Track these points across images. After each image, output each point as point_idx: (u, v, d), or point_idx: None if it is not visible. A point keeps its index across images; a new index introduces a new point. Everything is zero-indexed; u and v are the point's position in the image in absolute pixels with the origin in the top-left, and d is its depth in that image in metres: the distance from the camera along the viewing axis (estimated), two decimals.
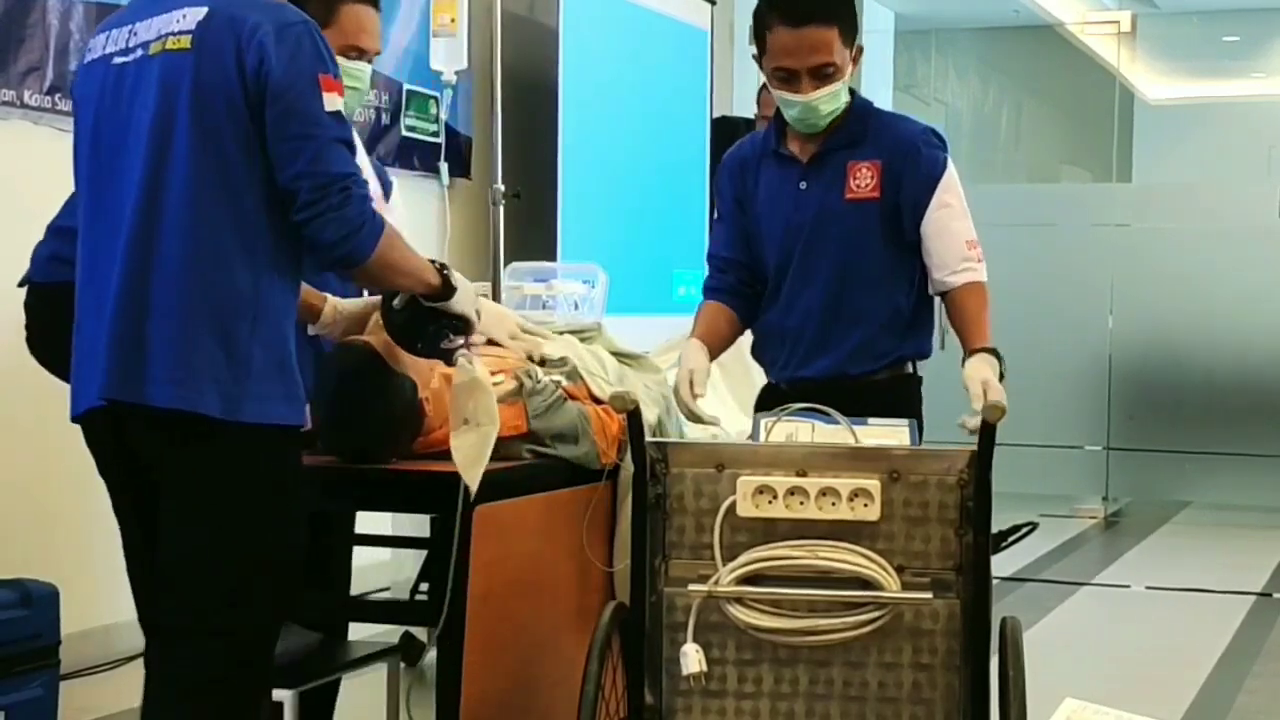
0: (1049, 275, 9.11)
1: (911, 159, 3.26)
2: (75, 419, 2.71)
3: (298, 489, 2.68)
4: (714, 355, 3.37)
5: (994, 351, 3.13)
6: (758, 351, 3.50)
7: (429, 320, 2.85)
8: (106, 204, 2.60)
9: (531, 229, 6.74)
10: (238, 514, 2.58)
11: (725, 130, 7.85)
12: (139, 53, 2.60)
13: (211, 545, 2.58)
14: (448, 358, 2.94)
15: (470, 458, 2.87)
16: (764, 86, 5.32)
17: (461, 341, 2.89)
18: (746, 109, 8.78)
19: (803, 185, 3.31)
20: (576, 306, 4.84)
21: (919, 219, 3.26)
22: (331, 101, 2.55)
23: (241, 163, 2.53)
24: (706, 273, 3.50)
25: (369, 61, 3.24)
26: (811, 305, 3.30)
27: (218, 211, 2.52)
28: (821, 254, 3.28)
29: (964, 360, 3.12)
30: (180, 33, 2.56)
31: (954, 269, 3.26)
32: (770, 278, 3.38)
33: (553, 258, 6.68)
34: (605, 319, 4.28)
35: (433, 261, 2.81)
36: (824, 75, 3.18)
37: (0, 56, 4.58)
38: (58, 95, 4.71)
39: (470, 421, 2.88)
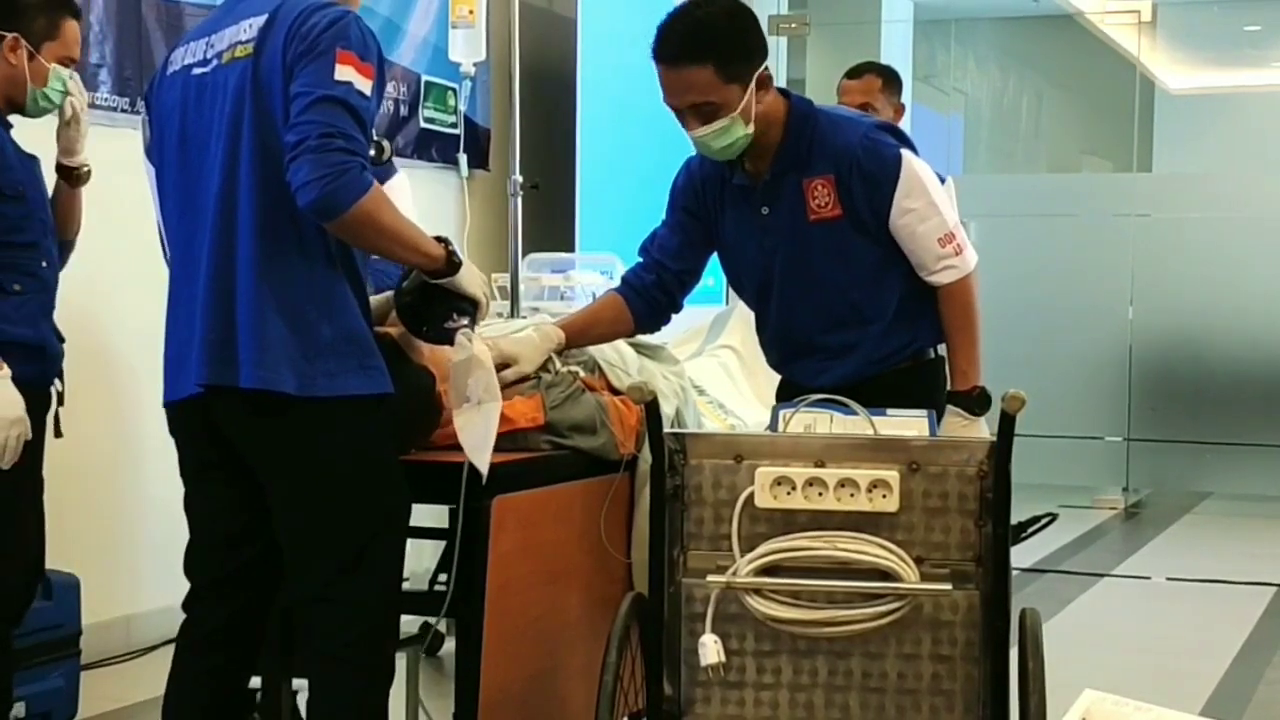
0: (1069, 265, 9.08)
1: (856, 168, 3.12)
2: (168, 405, 2.87)
3: (385, 454, 2.80)
4: (572, 345, 3.31)
5: (971, 394, 3.13)
6: (772, 360, 3.43)
7: (436, 301, 2.85)
8: (195, 206, 2.76)
9: (550, 220, 6.75)
10: (330, 486, 2.72)
11: None
12: (214, 62, 2.76)
13: (315, 519, 2.74)
14: (450, 339, 2.91)
15: (477, 440, 2.86)
16: (845, 74, 5.28)
17: (465, 322, 2.87)
18: None
19: (764, 210, 3.21)
20: (594, 297, 4.84)
21: (883, 225, 3.15)
22: (344, 72, 2.61)
23: None
24: (638, 264, 3.41)
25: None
26: (814, 316, 3.23)
27: (278, 206, 2.65)
28: (805, 270, 3.20)
29: (945, 401, 3.15)
30: (246, 41, 2.71)
31: (931, 269, 3.17)
32: (753, 301, 3.34)
33: (571, 249, 6.69)
34: None
35: (438, 238, 2.82)
36: (705, 113, 3.04)
37: None
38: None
39: (472, 399, 2.87)
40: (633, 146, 7.18)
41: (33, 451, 3.55)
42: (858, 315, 3.21)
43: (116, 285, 4.79)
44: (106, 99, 4.89)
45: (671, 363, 3.79)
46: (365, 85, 2.63)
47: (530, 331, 3.28)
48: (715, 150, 3.12)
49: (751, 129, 3.09)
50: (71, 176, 3.80)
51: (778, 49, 9.13)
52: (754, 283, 3.29)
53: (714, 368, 4.27)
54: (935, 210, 3.16)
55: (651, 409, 2.85)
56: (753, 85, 3.06)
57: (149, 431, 4.86)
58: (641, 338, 3.75)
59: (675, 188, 3.41)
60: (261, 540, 2.81)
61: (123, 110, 4.93)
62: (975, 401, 3.13)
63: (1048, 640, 2.89)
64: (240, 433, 2.76)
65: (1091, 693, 2.29)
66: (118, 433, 4.99)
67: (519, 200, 5.66)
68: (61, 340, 3.71)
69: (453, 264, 2.81)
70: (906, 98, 5.37)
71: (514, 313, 5.38)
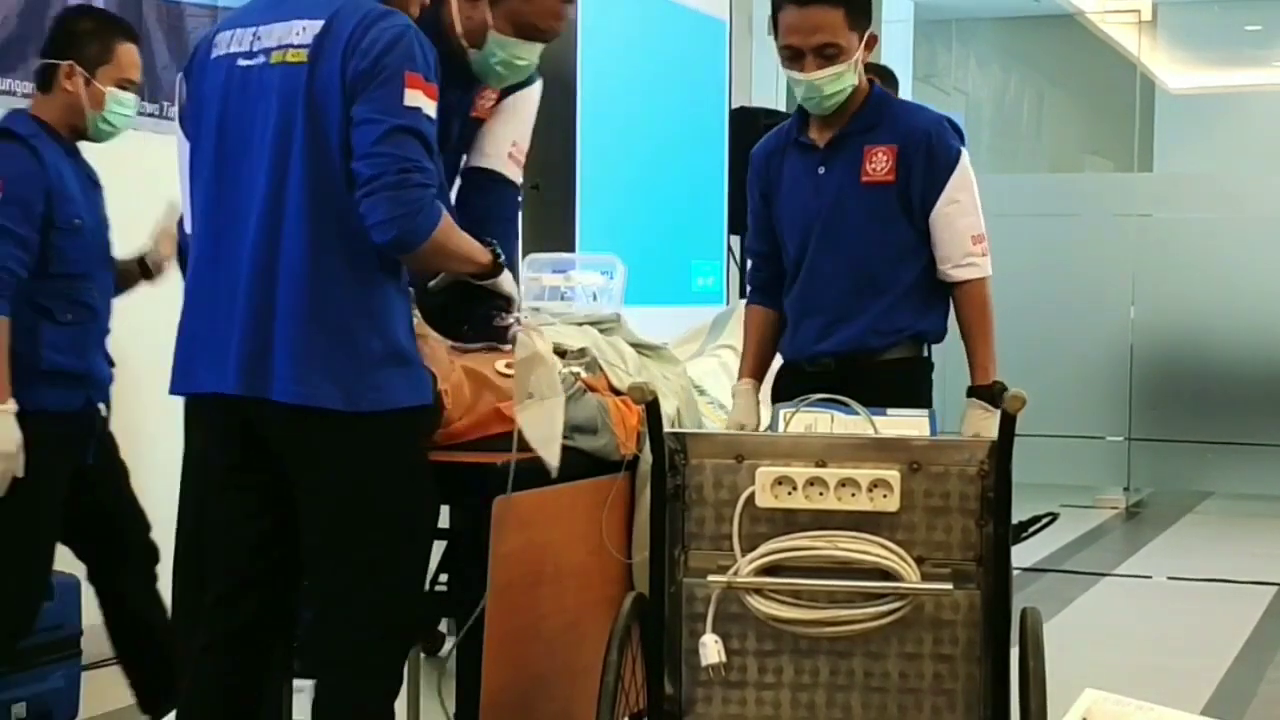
0: (1071, 265, 9.08)
1: (924, 148, 3.34)
2: (190, 395, 2.84)
3: (422, 462, 2.83)
4: (764, 373, 3.54)
5: (992, 388, 3.24)
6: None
7: (476, 301, 2.88)
8: (229, 203, 2.73)
9: (550, 220, 6.74)
10: (368, 495, 2.71)
11: (744, 121, 7.84)
12: (261, 59, 2.72)
13: (349, 525, 2.72)
14: (501, 336, 2.98)
15: (544, 434, 2.93)
16: None
17: (513, 319, 2.92)
18: (765, 100, 8.78)
19: (821, 170, 3.39)
20: (595, 298, 4.83)
21: (928, 209, 3.34)
22: (413, 98, 2.62)
23: (347, 170, 2.64)
24: (750, 267, 3.63)
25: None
26: (833, 280, 3.37)
27: (329, 219, 2.65)
28: (841, 232, 3.36)
29: (967, 394, 3.27)
30: (298, 46, 2.68)
31: (956, 262, 3.35)
32: (790, 261, 3.45)
33: (571, 249, 6.68)
34: (624, 310, 4.28)
35: (485, 241, 2.86)
36: (827, 55, 3.26)
37: (20, 49, 4.59)
38: None
39: (534, 395, 2.92)
40: (633, 146, 7.18)
41: (63, 478, 3.68)
42: (873, 284, 3.35)
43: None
44: None
45: (672, 363, 3.79)
46: (431, 107, 2.65)
47: (742, 402, 3.46)
48: (825, 95, 3.29)
49: (857, 82, 3.31)
50: (148, 272, 3.92)
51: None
52: (795, 241, 3.43)
53: (715, 368, 4.27)
54: (976, 210, 3.37)
55: (652, 409, 2.85)
56: (864, 42, 3.29)
57: (149, 431, 4.85)
58: (642, 337, 3.76)
59: (752, 178, 3.56)
60: (284, 545, 2.80)
61: None
62: (997, 395, 3.20)
63: (1049, 640, 2.89)
64: (280, 442, 2.74)
65: (1092, 692, 2.29)
66: (117, 433, 4.98)
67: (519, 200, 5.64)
68: (111, 365, 3.79)
69: (499, 266, 2.85)
70: (905, 97, 5.38)
71: None
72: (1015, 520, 2.86)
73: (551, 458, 2.95)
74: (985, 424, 3.18)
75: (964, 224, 3.34)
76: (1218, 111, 12.92)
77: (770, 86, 9.09)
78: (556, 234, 6.69)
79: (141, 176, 5.00)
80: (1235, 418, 8.83)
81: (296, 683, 3.00)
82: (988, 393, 3.24)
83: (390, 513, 2.75)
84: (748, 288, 3.66)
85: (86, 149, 3.83)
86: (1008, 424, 2.74)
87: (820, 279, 3.38)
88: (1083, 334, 9.08)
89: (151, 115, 4.98)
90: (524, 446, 3.16)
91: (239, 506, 2.84)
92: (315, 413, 2.64)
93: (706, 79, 7.94)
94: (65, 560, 4.21)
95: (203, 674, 2.87)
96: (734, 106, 8.03)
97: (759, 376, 3.54)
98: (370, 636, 2.75)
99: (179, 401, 3.13)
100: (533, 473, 3.11)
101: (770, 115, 8.12)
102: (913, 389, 3.31)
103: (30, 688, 3.97)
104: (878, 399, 3.01)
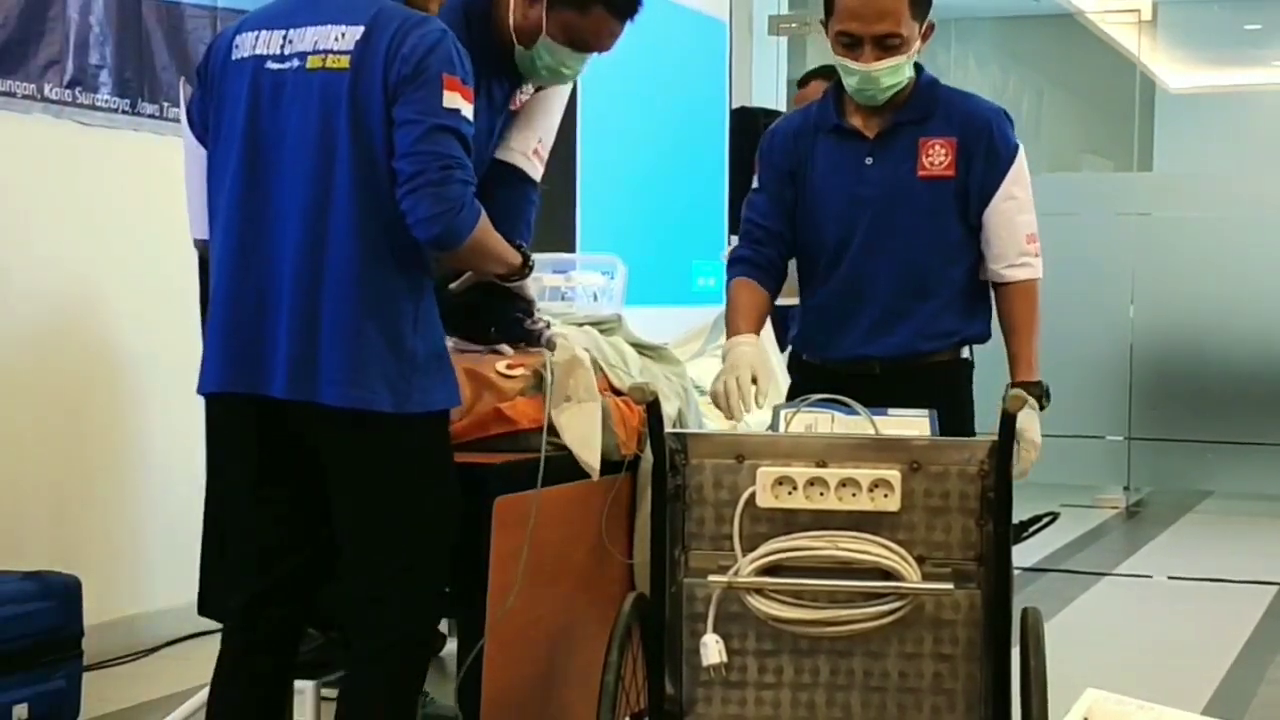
0: (1070, 265, 9.04)
1: (986, 140, 3.20)
2: (221, 396, 2.80)
3: (451, 461, 2.87)
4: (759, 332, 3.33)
5: (1038, 385, 3.16)
6: (806, 333, 3.39)
7: (506, 304, 2.90)
8: (262, 205, 2.73)
9: (550, 221, 6.73)
10: (410, 493, 2.75)
11: (744, 121, 7.86)
12: (295, 63, 2.71)
13: (389, 523, 2.75)
14: (532, 339, 3.03)
15: (582, 436, 2.98)
16: (801, 80, 5.30)
17: (544, 322, 2.94)
18: (765, 100, 8.79)
19: (869, 161, 3.22)
20: (595, 298, 4.83)
21: (984, 204, 3.21)
22: (452, 99, 2.65)
23: (391, 174, 2.66)
24: (739, 240, 3.41)
25: None
26: (881, 280, 3.22)
27: (376, 225, 2.67)
28: (892, 229, 3.21)
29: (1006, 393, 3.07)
30: (339, 52, 2.68)
31: (1011, 261, 3.22)
32: (825, 254, 3.28)
33: (571, 249, 6.70)
34: (624, 310, 4.28)
35: (514, 243, 2.89)
36: (888, 46, 3.08)
37: (20, 50, 4.60)
38: (78, 89, 4.72)
39: (572, 399, 2.97)
40: (633, 146, 7.19)
41: None
42: (923, 285, 3.22)
43: (119, 283, 4.79)
44: (107, 100, 4.88)
45: (673, 363, 3.79)
46: (468, 110, 2.68)
47: (748, 349, 3.19)
48: (882, 88, 3.14)
49: (912, 74, 3.18)
50: None
51: (778, 49, 9.14)
52: (835, 234, 3.25)
53: (716, 367, 4.27)
54: (1031, 208, 3.25)
55: (653, 409, 2.85)
56: (922, 32, 3.14)
57: (152, 430, 4.86)
58: (643, 337, 3.76)
59: (770, 153, 3.36)
60: (308, 547, 2.82)
61: (123, 111, 4.93)
62: (1044, 393, 3.17)
63: (1049, 639, 2.89)
64: (325, 444, 2.75)
65: (1094, 692, 2.29)
66: (120, 431, 4.99)
67: None
68: None
69: (529, 268, 2.89)
70: None
71: None
72: (1015, 520, 2.85)
73: (591, 459, 3.01)
74: (1031, 421, 3.06)
75: (1021, 221, 3.20)
76: (1218, 111, 12.93)
77: (770, 86, 9.10)
78: (557, 234, 6.70)
79: (142, 176, 5.02)
80: (1235, 417, 8.83)
81: (297, 684, 3.00)
82: (1035, 389, 3.12)
83: (427, 512, 2.78)
84: (737, 261, 3.37)
85: (80, 147, 3.77)
86: (1008, 424, 2.74)
87: (865, 278, 3.23)
88: (1082, 333, 9.07)
89: (152, 116, 4.99)
90: (520, 447, 3.17)
91: (268, 510, 2.83)
92: (364, 415, 2.67)
93: (706, 79, 7.95)
94: (66, 560, 4.22)
95: (231, 683, 2.85)
96: (734, 106, 8.04)
97: (757, 332, 3.28)
98: (402, 635, 2.78)
99: (183, 398, 3.13)
100: (533, 473, 3.11)
101: (770, 115, 8.13)
102: (954, 391, 3.21)
103: (32, 688, 3.97)
104: (919, 402, 2.96)
